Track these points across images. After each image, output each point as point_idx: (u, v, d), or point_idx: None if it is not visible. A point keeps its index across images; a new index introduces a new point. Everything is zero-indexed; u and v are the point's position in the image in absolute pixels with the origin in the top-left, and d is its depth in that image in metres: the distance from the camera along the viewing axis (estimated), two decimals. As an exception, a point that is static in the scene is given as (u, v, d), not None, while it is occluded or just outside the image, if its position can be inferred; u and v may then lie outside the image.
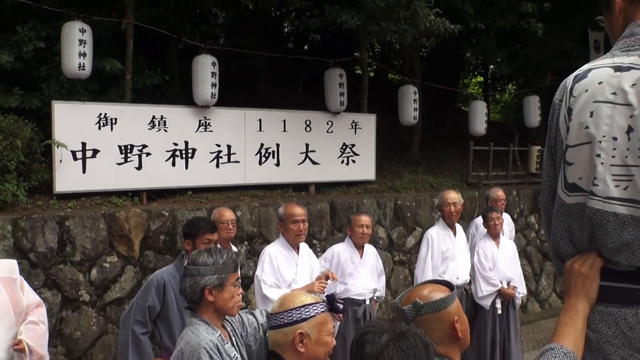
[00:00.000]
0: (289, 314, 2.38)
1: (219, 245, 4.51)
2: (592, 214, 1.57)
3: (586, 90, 1.63)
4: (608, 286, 1.58)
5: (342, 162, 8.63)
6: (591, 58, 12.46)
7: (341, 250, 5.83)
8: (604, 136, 1.55)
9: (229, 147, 7.49)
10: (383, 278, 6.16)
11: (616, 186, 1.52)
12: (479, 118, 10.16)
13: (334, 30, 7.82)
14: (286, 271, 5.15)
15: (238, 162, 7.59)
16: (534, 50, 10.80)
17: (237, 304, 2.94)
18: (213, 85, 7.10)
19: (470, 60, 13.12)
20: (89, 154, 6.30)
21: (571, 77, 1.74)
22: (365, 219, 5.81)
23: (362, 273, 5.82)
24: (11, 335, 3.54)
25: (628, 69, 1.54)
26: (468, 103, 11.02)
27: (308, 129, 8.23)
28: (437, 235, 6.29)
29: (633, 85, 1.51)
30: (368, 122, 8.86)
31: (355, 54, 9.08)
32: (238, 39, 9.19)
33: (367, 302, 5.79)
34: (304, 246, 5.43)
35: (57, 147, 5.96)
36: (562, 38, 10.30)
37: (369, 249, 6.01)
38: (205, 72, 7.06)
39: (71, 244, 5.81)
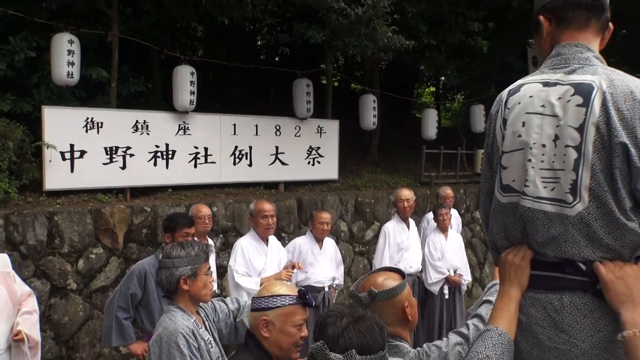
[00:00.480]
0: (260, 301, 2.38)
1: (196, 238, 4.57)
2: (523, 211, 1.64)
3: (519, 103, 1.70)
4: (537, 275, 1.65)
5: (309, 163, 8.63)
6: (529, 71, 12.60)
7: (302, 242, 5.85)
8: (534, 143, 1.62)
9: (206, 149, 7.44)
10: (342, 268, 6.19)
11: (544, 187, 1.59)
12: (431, 124, 10.28)
13: (302, 44, 7.81)
14: (256, 261, 5.17)
15: (214, 162, 7.55)
16: (480, 64, 10.94)
17: (210, 291, 2.98)
18: (192, 92, 7.05)
19: (424, 72, 13.21)
20: (76, 154, 6.19)
21: (506, 91, 1.81)
22: (325, 217, 5.84)
23: (321, 263, 5.83)
24: (10, 326, 3.51)
25: (555, 84, 1.63)
26: (421, 110, 11.08)
27: (278, 133, 8.20)
28: (392, 229, 6.37)
29: (559, 98, 1.59)
30: (332, 127, 8.86)
31: (321, 65, 9.06)
32: (215, 51, 9.16)
33: (326, 289, 5.81)
34: (272, 239, 5.44)
35: (47, 148, 5.86)
36: (504, 53, 10.41)
37: (328, 241, 6.02)
38: (185, 81, 7.00)
39: (60, 237, 5.72)
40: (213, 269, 5.18)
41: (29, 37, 6.42)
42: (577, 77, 1.60)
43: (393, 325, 2.15)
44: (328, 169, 8.86)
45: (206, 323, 2.97)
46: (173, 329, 2.66)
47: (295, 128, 8.41)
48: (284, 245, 6.04)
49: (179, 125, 7.15)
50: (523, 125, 1.66)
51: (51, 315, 5.52)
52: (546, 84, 1.65)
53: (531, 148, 1.62)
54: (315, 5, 7.07)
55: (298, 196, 8.07)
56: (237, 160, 7.82)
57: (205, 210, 5.41)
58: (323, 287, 5.79)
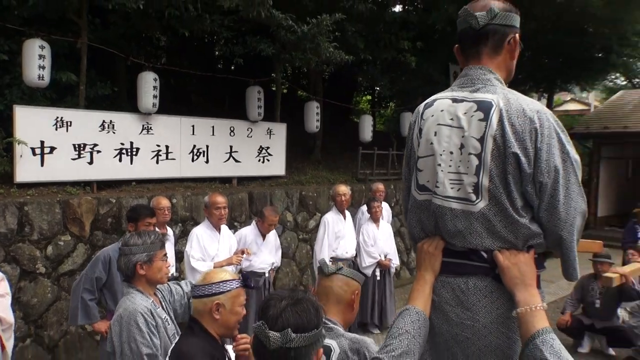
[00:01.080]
0: (210, 287, 2.35)
1: (156, 228, 4.50)
2: (435, 208, 1.72)
3: (432, 116, 1.79)
4: (447, 261, 1.74)
5: (259, 160, 8.59)
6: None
7: (247, 233, 5.88)
8: (444, 151, 1.71)
9: (167, 147, 7.30)
10: (279, 252, 6.26)
11: (452, 188, 1.68)
12: (367, 128, 10.41)
13: (255, 55, 7.74)
14: (210, 247, 5.18)
15: (174, 159, 7.42)
16: (409, 78, 11.03)
17: (166, 275, 2.99)
18: (154, 96, 6.92)
19: (361, 83, 13.33)
20: (46, 150, 5.94)
21: (422, 104, 1.90)
22: (275, 219, 5.92)
23: (263, 252, 5.87)
24: (-18, 310, 3.34)
25: (462, 101, 1.72)
26: (359, 116, 11.21)
27: (232, 134, 8.12)
28: (331, 219, 6.45)
29: (465, 113, 1.68)
30: (280, 130, 8.84)
31: (272, 75, 9.01)
32: (177, 60, 9.04)
33: (267, 275, 5.87)
34: (224, 228, 5.45)
35: (18, 144, 5.60)
36: (430, 69, 10.50)
37: (271, 233, 6.05)
38: (148, 86, 6.86)
39: (29, 225, 5.48)
40: (172, 254, 5.20)
41: (1, 42, 6.14)
42: (480, 95, 1.69)
43: (337, 305, 2.26)
44: (276, 166, 8.83)
45: (163, 303, 2.98)
46: (132, 309, 2.67)
47: (248, 130, 8.34)
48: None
49: (143, 125, 6.98)
50: (435, 135, 1.74)
51: (20, 297, 5.29)
52: (455, 100, 1.74)
53: (441, 155, 1.71)
54: (267, 22, 7.02)
55: (249, 190, 8.02)
56: (195, 157, 7.70)
57: (164, 202, 5.32)
58: (264, 273, 5.83)
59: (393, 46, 9.33)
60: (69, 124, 6.10)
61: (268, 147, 8.64)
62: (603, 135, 15.01)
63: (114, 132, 6.63)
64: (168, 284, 3.14)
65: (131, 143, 6.85)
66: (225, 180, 8.17)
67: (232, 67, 11.20)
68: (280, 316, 1.57)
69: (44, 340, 5.52)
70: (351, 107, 13.64)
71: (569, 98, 28.76)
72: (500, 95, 1.65)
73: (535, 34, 11.15)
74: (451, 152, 1.69)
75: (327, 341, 2.04)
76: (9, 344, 3.57)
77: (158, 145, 7.18)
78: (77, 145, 6.23)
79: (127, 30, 6.99)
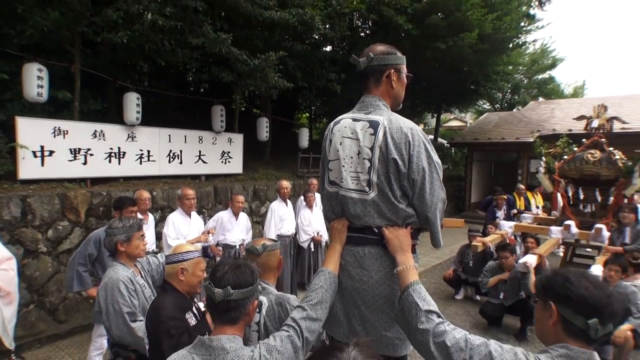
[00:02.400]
0: (176, 256, 2.41)
1: (139, 214, 4.53)
2: (341, 197, 1.85)
3: (339, 130, 1.90)
4: (351, 235, 1.86)
5: (222, 162, 8.33)
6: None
7: (223, 215, 5.77)
8: (346, 156, 1.83)
9: (148, 151, 6.94)
10: (250, 233, 6.11)
11: (352, 182, 1.81)
12: (305, 138, 10.29)
13: (218, 81, 7.44)
14: (182, 229, 5.05)
15: (155, 161, 7.06)
16: (336, 100, 10.98)
17: (143, 250, 2.92)
18: (137, 112, 6.58)
19: (301, 103, 13.17)
20: (46, 153, 5.50)
21: (333, 122, 1.98)
22: (240, 198, 5.86)
23: (235, 230, 5.77)
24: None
25: (359, 120, 1.84)
26: (299, 128, 11.05)
27: (201, 141, 7.85)
28: (276, 206, 6.36)
29: (361, 129, 1.80)
30: (238, 139, 8.60)
31: (232, 96, 8.73)
32: (157, 83, 8.67)
33: (237, 247, 5.75)
34: (194, 214, 5.30)
35: (20, 148, 5.18)
36: (351, 95, 10.37)
37: (243, 215, 5.98)
38: (132, 103, 6.52)
39: (32, 214, 5.05)
40: (152, 234, 5.10)
41: (2, 64, 5.62)
42: (371, 117, 1.81)
43: (269, 271, 2.28)
44: (235, 166, 8.59)
45: (142, 273, 2.96)
46: (115, 278, 2.66)
47: (213, 138, 8.08)
48: (209, 217, 6.10)
49: (128, 134, 6.59)
50: (340, 144, 1.85)
51: (24, 271, 4.89)
52: (354, 120, 1.86)
53: (344, 159, 1.83)
54: (227, 56, 6.81)
55: (214, 184, 7.77)
56: (172, 159, 7.36)
57: (145, 194, 5.07)
58: (235, 245, 5.73)
59: (324, 77, 9.31)
60: (65, 132, 5.66)
61: (229, 152, 8.39)
62: (474, 144, 15.54)
63: (104, 140, 6.22)
64: (147, 257, 3.10)
65: (119, 148, 6.47)
66: (195, 177, 7.89)
67: (202, 90, 10.94)
68: (223, 277, 1.61)
69: (45, 305, 5.12)
70: (293, 122, 13.52)
71: (452, 117, 29.74)
72: (385, 117, 1.79)
73: (427, 72, 11.41)
74: (351, 157, 1.81)
75: (261, 297, 2.10)
76: (7, 310, 3.53)
77: (141, 150, 6.82)
78: (73, 150, 5.81)
79: (115, 58, 6.57)
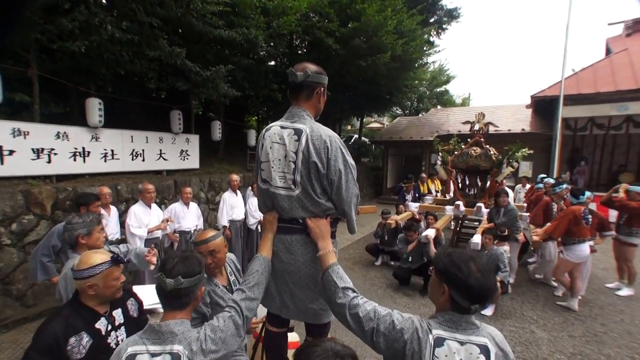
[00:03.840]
0: (82, 272, 1.77)
1: (101, 210, 4.16)
2: (271, 193, 1.75)
3: (269, 136, 1.77)
4: (280, 225, 1.77)
5: (181, 159, 7.79)
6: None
7: (176, 205, 5.41)
8: (275, 158, 1.73)
9: (112, 150, 6.30)
10: (201, 219, 5.75)
11: (280, 181, 1.72)
12: (252, 137, 9.98)
13: (176, 88, 6.91)
14: (144, 218, 4.71)
15: (119, 159, 6.44)
16: (279, 107, 10.66)
17: (102, 242, 2.59)
18: (100, 115, 5.91)
19: (250, 108, 12.71)
20: (5, 152, 4.78)
21: (265, 128, 1.84)
22: (188, 190, 5.49)
23: (188, 217, 5.42)
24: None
25: (286, 128, 1.74)
26: (248, 130, 10.63)
27: (161, 142, 7.28)
28: (228, 196, 6.08)
29: (287, 135, 1.71)
30: (194, 139, 8.08)
31: (193, 101, 8.23)
32: (120, 89, 7.94)
33: (192, 232, 5.42)
34: (154, 205, 4.95)
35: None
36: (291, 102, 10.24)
37: (193, 204, 5.59)
38: (94, 108, 5.84)
39: (-6, 210, 4.43)
40: (116, 223, 4.69)
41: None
42: (296, 125, 1.72)
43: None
44: (193, 162, 8.07)
45: None
46: None
47: (172, 139, 7.53)
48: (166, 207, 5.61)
49: (92, 135, 5.93)
50: (270, 148, 1.75)
51: (-13, 263, 4.27)
52: (282, 127, 1.75)
53: (273, 161, 1.73)
54: (182, 67, 6.35)
55: (174, 178, 7.27)
56: (135, 157, 6.76)
57: (105, 190, 4.67)
58: (190, 231, 5.40)
59: (268, 87, 9.01)
60: (26, 133, 4.95)
61: (187, 150, 7.88)
62: (389, 142, 15.95)
63: (67, 140, 5.54)
64: (108, 247, 2.76)
65: (83, 148, 5.80)
66: (157, 172, 7.30)
67: (163, 96, 10.24)
68: (173, 268, 1.51)
69: (12, 292, 4.54)
70: (243, 124, 13.06)
71: (372, 120, 30.37)
72: (308, 126, 1.70)
73: (353, 84, 11.49)
74: (279, 160, 1.72)
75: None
76: None
77: (105, 150, 6.17)
78: (36, 149, 5.10)
79: (75, 65, 5.85)
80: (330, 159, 1.65)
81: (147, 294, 2.64)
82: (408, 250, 5.59)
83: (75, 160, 5.71)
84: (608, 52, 12.87)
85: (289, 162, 1.69)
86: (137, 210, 4.66)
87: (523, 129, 12.43)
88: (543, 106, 11.99)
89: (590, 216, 4.82)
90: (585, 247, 4.62)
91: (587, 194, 4.97)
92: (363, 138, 19.56)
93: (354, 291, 1.49)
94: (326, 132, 1.69)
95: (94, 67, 5.82)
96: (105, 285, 1.82)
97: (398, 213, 7.28)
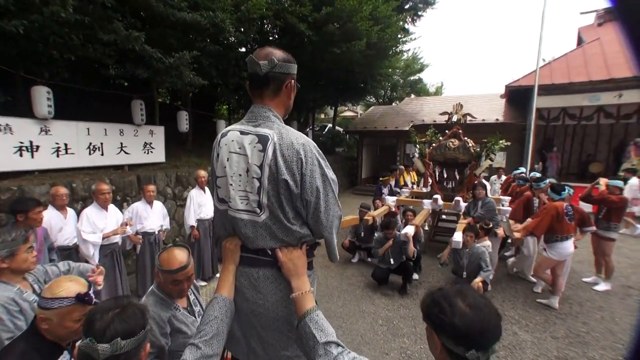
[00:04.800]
0: (42, 301, 1.56)
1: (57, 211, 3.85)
2: (231, 218, 1.41)
3: (226, 144, 1.41)
4: (244, 256, 1.43)
5: (145, 152, 7.24)
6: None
7: (138, 205, 4.95)
8: (234, 173, 1.37)
9: (66, 144, 5.71)
10: (167, 218, 5.30)
11: (241, 202, 1.37)
12: (222, 128, 9.19)
13: (137, 76, 6.30)
14: (99, 223, 4.22)
15: (74, 153, 5.84)
16: (248, 96, 10.18)
17: (32, 263, 2.16)
18: (49, 106, 5.29)
19: (220, 96, 12.12)
20: None
21: (220, 134, 1.47)
22: (151, 187, 5.05)
23: (152, 217, 4.97)
24: None
25: (247, 133, 1.37)
26: (218, 120, 10.09)
27: (122, 134, 6.70)
28: (195, 194, 5.67)
29: (249, 143, 1.35)
30: (159, 130, 7.52)
31: (160, 90, 7.61)
32: (77, 76, 7.24)
33: (156, 233, 5.01)
34: (111, 206, 4.43)
35: None
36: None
37: (157, 203, 5.15)
38: (42, 97, 5.21)
39: None
40: (74, 228, 4.14)
41: None
42: (260, 130, 1.36)
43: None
44: (158, 155, 7.53)
45: (35, 286, 2.19)
46: None
47: (134, 131, 6.94)
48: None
49: (41, 128, 5.32)
50: (228, 160, 1.39)
51: None
52: (242, 133, 1.38)
53: (232, 176, 1.38)
54: (142, 53, 5.77)
55: (138, 174, 6.69)
56: (92, 151, 6.18)
57: (61, 190, 4.14)
58: (154, 232, 4.96)
59: (238, 75, 8.47)
60: (-40, 127, 4.34)
61: (151, 143, 7.32)
62: (364, 132, 15.73)
63: (11, 134, 4.94)
64: (44, 267, 2.34)
65: (31, 142, 5.19)
66: (118, 167, 6.75)
67: (126, 84, 9.49)
68: (107, 328, 1.15)
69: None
70: (212, 114, 12.46)
71: (346, 109, 30.09)
72: (276, 131, 1.34)
73: (327, 72, 11.12)
74: (240, 175, 1.36)
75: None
76: None
77: (57, 144, 5.57)
78: (-30, 146, 4.49)
79: (17, 48, 5.18)
80: (305, 175, 1.30)
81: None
82: (380, 253, 5.36)
83: (21, 155, 5.10)
84: (580, 41, 13.06)
85: (251, 179, 1.33)
86: (90, 214, 4.16)
87: (497, 119, 12.50)
88: (517, 96, 12.06)
89: (572, 212, 4.75)
90: (568, 245, 4.55)
91: (568, 189, 4.89)
92: (337, 127, 19.27)
93: (338, 345, 1.19)
94: (299, 140, 1.33)
95: (39, 51, 5.15)
96: (59, 324, 1.55)
97: (375, 208, 7.06)
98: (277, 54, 1.38)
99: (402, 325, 4.33)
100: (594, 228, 4.92)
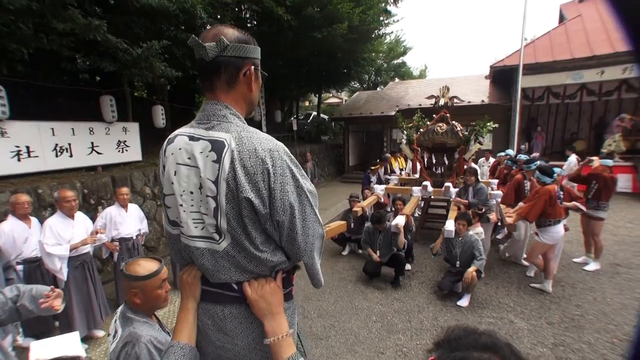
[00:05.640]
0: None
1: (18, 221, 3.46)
2: (185, 246, 1.13)
3: (172, 153, 1.12)
4: (206, 290, 1.15)
5: (119, 151, 6.83)
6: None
7: (111, 210, 4.56)
8: (184, 191, 1.08)
9: (27, 147, 5.30)
10: (145, 221, 4.92)
11: (195, 227, 1.08)
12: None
13: (103, 70, 5.88)
14: (64, 233, 3.83)
15: (38, 156, 5.43)
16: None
17: None
18: (2, 105, 4.85)
19: (199, 88, 11.68)
20: None
21: (166, 140, 1.17)
22: (124, 190, 4.62)
23: (127, 221, 4.60)
24: None
25: (198, 139, 1.08)
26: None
27: (92, 133, 6.26)
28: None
29: (201, 152, 1.05)
30: (133, 127, 7.09)
31: (138, 83, 7.18)
32: (37, 72, 6.75)
33: (134, 238, 4.65)
34: (78, 214, 4.03)
35: None
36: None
37: (132, 206, 4.77)
38: (-7, 97, 4.79)
39: None
40: (38, 238, 3.74)
41: None
42: (214, 134, 1.06)
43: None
44: (134, 153, 7.13)
45: None
46: None
47: (106, 129, 6.51)
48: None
49: (-4, 130, 4.91)
50: (175, 174, 1.10)
51: None
52: (192, 138, 1.09)
53: (181, 195, 1.08)
54: (106, 44, 5.35)
55: (112, 174, 6.32)
56: (59, 153, 5.76)
57: (23, 198, 3.79)
58: (131, 237, 4.60)
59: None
60: None
61: (125, 141, 6.91)
62: (349, 118, 15.46)
63: (-38, 138, 4.55)
64: None
65: (-17, 147, 4.79)
66: (91, 169, 6.34)
67: (97, 79, 8.98)
68: None
69: None
70: (193, 107, 12.00)
71: (331, 95, 29.67)
72: (234, 134, 1.04)
73: (307, 58, 10.78)
74: (191, 192, 1.07)
75: (118, 325, 1.57)
76: None
77: (17, 147, 5.16)
78: None
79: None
80: (275, 190, 1.03)
81: (52, 348, 2.03)
82: (375, 258, 5.17)
83: (-25, 161, 4.71)
84: (562, 18, 12.95)
85: (206, 198, 1.04)
86: (53, 224, 3.75)
87: (483, 101, 12.38)
88: (502, 76, 11.93)
89: (562, 193, 4.64)
90: (560, 228, 4.44)
91: (557, 170, 4.77)
92: (322, 115, 18.95)
93: None
94: (265, 144, 1.04)
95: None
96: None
97: (364, 198, 6.87)
98: (229, 32, 1.07)
99: (397, 320, 4.17)
100: (584, 209, 4.85)
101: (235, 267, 1.09)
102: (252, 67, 1.12)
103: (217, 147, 1.03)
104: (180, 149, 1.09)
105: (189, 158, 1.07)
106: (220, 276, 1.10)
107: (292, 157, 1.10)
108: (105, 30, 5.05)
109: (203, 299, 1.15)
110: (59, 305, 2.18)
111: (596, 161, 5.18)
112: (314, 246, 1.15)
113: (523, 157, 6.43)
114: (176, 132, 1.16)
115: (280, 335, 1.05)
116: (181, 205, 1.09)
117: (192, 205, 1.08)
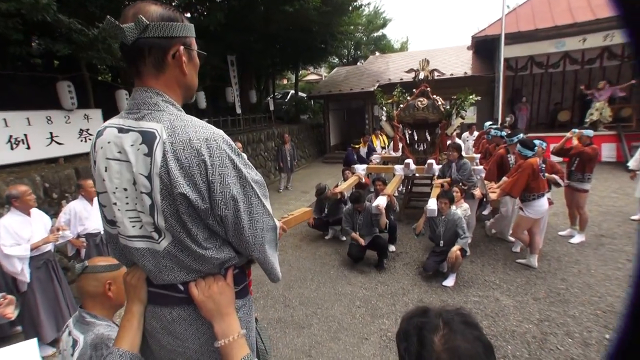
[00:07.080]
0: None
1: None
2: (124, 246, 1.07)
3: (102, 147, 1.02)
4: (152, 291, 1.08)
5: (82, 140, 6.52)
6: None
7: (76, 204, 4.37)
8: (116, 188, 1.01)
9: (-23, 141, 5.00)
10: None
11: (133, 227, 1.01)
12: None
13: (57, 53, 5.54)
14: (23, 232, 3.67)
15: (-10, 150, 5.13)
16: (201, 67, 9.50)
17: None
18: (-56, 97, 4.55)
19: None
20: None
21: (96, 132, 1.07)
22: (90, 182, 4.39)
23: (93, 216, 4.40)
24: None
25: (128, 131, 0.98)
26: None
27: (50, 122, 5.95)
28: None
29: (132, 145, 0.96)
30: (96, 114, 6.75)
31: (101, 66, 6.81)
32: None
33: (102, 233, 4.36)
34: (34, 210, 3.86)
35: None
36: (213, 59, 9.14)
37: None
38: None
39: None
40: None
41: None
42: (145, 124, 0.96)
43: (93, 300, 1.54)
44: (99, 143, 6.85)
45: None
46: None
47: (65, 117, 6.19)
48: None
49: (-62, 124, 4.60)
50: (106, 170, 1.01)
51: None
52: (121, 130, 0.99)
53: (114, 192, 1.01)
54: (57, 25, 5.01)
55: (75, 166, 6.04)
56: (15, 146, 5.47)
57: None
58: (99, 233, 4.42)
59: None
60: None
61: (88, 129, 6.57)
62: (329, 96, 15.25)
63: None
64: None
65: None
66: (51, 161, 6.06)
67: (56, 65, 8.49)
68: None
69: None
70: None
71: (310, 72, 29.14)
72: (166, 124, 0.95)
73: (280, 33, 10.47)
74: (125, 189, 0.99)
75: (76, 334, 1.43)
76: None
77: (-35, 141, 4.90)
78: None
79: None
80: (214, 183, 0.95)
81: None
82: (356, 238, 5.16)
83: None
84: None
85: (141, 195, 0.96)
86: (9, 223, 3.56)
87: (466, 73, 12.35)
88: (484, 47, 11.89)
89: (544, 165, 4.68)
90: (544, 202, 4.50)
91: (537, 142, 4.80)
92: (300, 93, 18.64)
93: None
94: (201, 133, 0.95)
95: None
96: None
97: (345, 179, 6.82)
98: (150, 9, 0.96)
99: (381, 304, 4.20)
100: (567, 181, 4.95)
101: (179, 267, 1.02)
102: (182, 47, 1.01)
103: (148, 139, 0.94)
104: (109, 142, 1.00)
105: (120, 152, 0.98)
106: (163, 277, 1.03)
107: (233, 145, 1.01)
108: (56, 9, 4.72)
109: (150, 301, 1.09)
110: (11, 312, 2.07)
111: (575, 138, 5.26)
112: (264, 239, 1.08)
113: (495, 132, 6.37)
114: (105, 123, 1.06)
115: (231, 337, 1.01)
116: (115, 203, 1.01)
117: (127, 204, 1.00)
